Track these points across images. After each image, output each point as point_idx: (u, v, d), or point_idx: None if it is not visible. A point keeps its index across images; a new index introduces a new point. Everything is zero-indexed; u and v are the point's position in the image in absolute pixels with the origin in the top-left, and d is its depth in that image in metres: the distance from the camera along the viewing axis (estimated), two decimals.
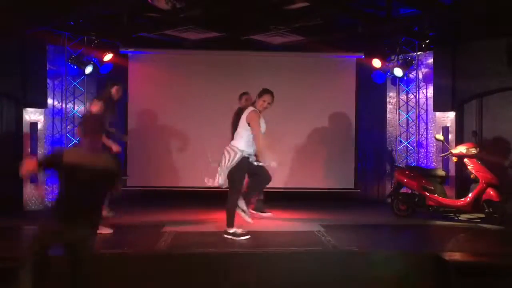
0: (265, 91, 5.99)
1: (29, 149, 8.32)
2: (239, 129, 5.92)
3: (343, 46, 9.17)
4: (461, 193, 7.79)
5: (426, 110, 9.02)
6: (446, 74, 8.56)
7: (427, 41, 8.34)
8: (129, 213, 7.38)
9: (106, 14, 7.74)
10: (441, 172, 7.91)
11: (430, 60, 8.91)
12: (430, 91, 8.93)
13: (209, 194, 8.45)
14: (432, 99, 8.87)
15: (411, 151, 9.23)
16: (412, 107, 9.26)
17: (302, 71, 9.38)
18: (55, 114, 8.78)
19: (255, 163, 5.94)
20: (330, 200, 9.29)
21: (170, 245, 5.59)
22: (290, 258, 5.17)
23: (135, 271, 4.90)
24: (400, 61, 9.01)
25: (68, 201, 3.97)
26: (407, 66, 8.98)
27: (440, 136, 7.92)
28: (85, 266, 4.05)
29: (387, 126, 9.62)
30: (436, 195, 7.48)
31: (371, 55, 9.12)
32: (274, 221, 7.25)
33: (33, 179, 8.38)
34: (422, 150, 9.08)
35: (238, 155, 5.76)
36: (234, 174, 5.79)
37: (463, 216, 7.50)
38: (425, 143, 9.06)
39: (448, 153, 7.72)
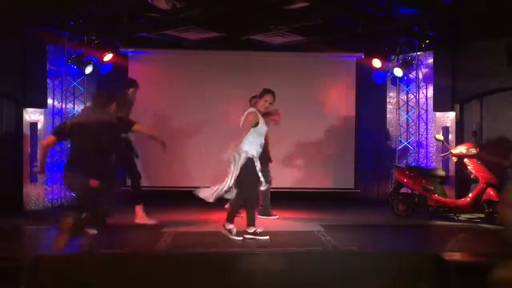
0: (266, 91, 5.99)
1: (29, 149, 8.33)
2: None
3: (343, 46, 9.18)
4: (461, 193, 7.80)
5: (426, 110, 9.02)
6: (446, 74, 8.56)
7: (427, 41, 8.35)
8: (129, 213, 7.37)
9: (106, 14, 7.74)
10: (441, 172, 7.91)
11: (430, 60, 8.91)
12: (430, 91, 8.93)
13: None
14: (432, 99, 8.87)
15: (411, 151, 9.23)
16: (412, 107, 9.26)
17: (302, 71, 9.38)
18: (55, 114, 8.78)
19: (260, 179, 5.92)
20: (330, 200, 9.29)
21: (170, 245, 5.60)
22: (290, 258, 5.16)
23: (135, 271, 4.90)
24: (400, 61, 9.01)
25: (80, 155, 4.99)
26: (407, 66, 8.98)
27: (440, 136, 7.92)
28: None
29: (387, 126, 9.62)
30: (436, 195, 7.48)
31: (371, 55, 9.13)
32: (274, 221, 7.26)
33: (33, 179, 8.40)
34: (422, 150, 9.08)
35: (243, 156, 5.75)
36: (245, 174, 5.77)
37: (463, 216, 7.50)
38: (425, 143, 9.06)
39: (448, 153, 7.72)
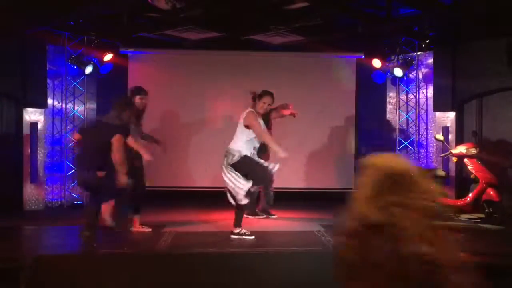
0: (265, 93, 5.98)
1: (29, 149, 8.33)
2: (236, 131, 5.91)
3: (343, 46, 9.17)
4: (461, 193, 7.79)
5: (426, 110, 9.02)
6: (446, 74, 8.56)
7: (427, 41, 8.34)
8: (129, 213, 7.36)
9: (106, 14, 7.74)
10: (441, 172, 7.91)
11: (430, 60, 8.91)
12: (430, 91, 8.92)
13: (209, 194, 8.46)
14: (432, 99, 8.86)
15: (411, 151, 9.22)
16: (412, 107, 9.26)
17: (302, 71, 9.37)
18: (55, 114, 8.78)
19: (263, 163, 5.91)
20: (330, 200, 9.28)
21: (170, 245, 5.59)
22: (290, 258, 5.17)
23: (135, 271, 4.90)
24: (400, 61, 9.01)
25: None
26: (407, 66, 8.98)
27: (440, 136, 7.92)
28: None
29: (387, 126, 9.62)
30: None
31: (371, 55, 9.12)
32: (274, 221, 7.26)
33: (33, 179, 8.39)
34: (422, 150, 9.08)
35: (236, 156, 5.74)
36: (247, 170, 5.74)
37: (463, 216, 7.50)
38: (425, 143, 9.06)
39: (448, 153, 7.72)
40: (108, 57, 8.78)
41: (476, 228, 6.78)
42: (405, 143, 9.22)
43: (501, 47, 7.86)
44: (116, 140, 5.37)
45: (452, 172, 8.49)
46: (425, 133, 9.05)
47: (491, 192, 7.04)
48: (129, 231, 6.32)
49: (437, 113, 8.84)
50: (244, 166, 5.74)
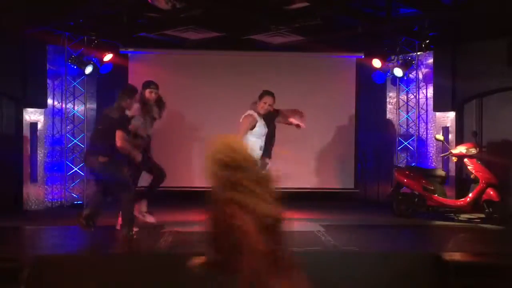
0: (265, 93, 5.95)
1: (29, 149, 8.34)
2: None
3: (343, 46, 9.17)
4: (461, 193, 7.79)
5: (426, 110, 9.02)
6: (446, 74, 8.56)
7: (427, 41, 8.33)
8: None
9: (106, 14, 7.74)
10: (441, 172, 7.91)
11: (430, 60, 8.91)
12: (430, 91, 8.92)
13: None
14: (432, 99, 8.87)
15: (411, 151, 9.22)
16: (412, 107, 9.26)
17: (302, 71, 9.37)
18: (55, 114, 8.78)
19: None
20: (330, 200, 9.29)
21: (170, 245, 5.59)
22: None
23: (135, 271, 4.90)
24: (400, 61, 9.01)
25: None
26: (407, 66, 8.98)
27: (440, 136, 7.92)
28: None
29: (387, 126, 9.62)
30: (436, 195, 7.48)
31: (371, 55, 9.12)
32: None
33: (33, 179, 8.40)
34: (422, 150, 9.08)
35: None
36: None
37: (463, 216, 7.50)
38: (425, 143, 9.06)
39: (448, 153, 7.72)
40: (108, 57, 8.78)
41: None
42: (405, 143, 9.22)
43: (501, 47, 7.87)
44: (118, 137, 5.63)
45: (452, 172, 8.49)
46: (425, 133, 9.05)
47: (491, 192, 7.04)
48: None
49: (437, 113, 8.85)
50: None
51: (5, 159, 7.95)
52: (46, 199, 8.57)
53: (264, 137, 5.94)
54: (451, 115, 8.69)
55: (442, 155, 8.21)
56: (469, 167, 7.35)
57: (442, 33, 8.39)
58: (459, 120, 8.61)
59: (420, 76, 9.09)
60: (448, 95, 8.58)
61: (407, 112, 9.32)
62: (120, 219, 6.17)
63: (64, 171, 8.72)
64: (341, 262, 5.14)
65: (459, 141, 8.40)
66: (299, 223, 7.18)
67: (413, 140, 9.17)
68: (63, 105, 8.83)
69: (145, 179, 7.02)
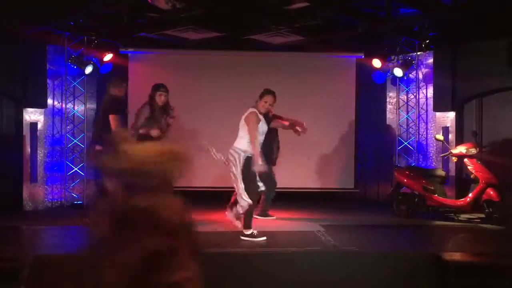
0: (266, 92, 5.96)
1: (29, 149, 8.33)
2: (239, 131, 5.90)
3: (343, 46, 9.18)
4: (461, 193, 7.79)
5: (426, 110, 9.01)
6: (446, 74, 8.56)
7: (427, 41, 8.33)
8: None
9: (106, 14, 7.74)
10: (441, 172, 7.91)
11: (430, 60, 8.91)
12: (430, 91, 8.92)
13: (209, 194, 8.46)
14: (432, 99, 8.87)
15: (411, 151, 9.22)
16: (412, 107, 9.26)
17: (302, 71, 9.37)
18: (55, 114, 8.78)
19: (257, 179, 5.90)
20: (330, 200, 9.29)
21: None
22: (290, 258, 5.17)
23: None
24: (400, 61, 9.01)
25: None
26: (407, 66, 8.98)
27: (440, 136, 7.92)
28: None
29: (387, 126, 9.62)
30: (436, 195, 7.48)
31: (371, 55, 9.12)
32: (274, 221, 7.26)
33: (33, 179, 8.39)
34: (422, 150, 9.08)
35: (242, 156, 5.73)
36: (245, 176, 5.75)
37: (463, 216, 7.50)
38: (425, 143, 9.06)
39: (448, 153, 7.72)
40: (108, 57, 8.78)
41: None
42: (405, 143, 9.22)
43: (501, 47, 7.87)
44: (111, 121, 6.10)
45: (452, 172, 8.49)
46: (425, 133, 9.04)
47: (491, 192, 7.04)
48: None
49: (437, 113, 8.85)
50: (244, 172, 5.74)
51: (5, 159, 7.95)
52: (46, 199, 8.57)
53: (263, 135, 5.93)
54: (451, 115, 8.69)
55: (442, 155, 8.21)
56: (469, 167, 7.36)
57: (442, 33, 8.39)
58: (459, 120, 8.61)
59: (420, 76, 9.09)
60: (448, 95, 8.58)
61: (407, 112, 9.32)
62: None
63: (64, 171, 8.72)
64: (341, 262, 5.14)
65: (459, 141, 8.40)
66: (299, 223, 7.19)
67: (413, 140, 9.17)
68: (63, 105, 8.82)
69: None
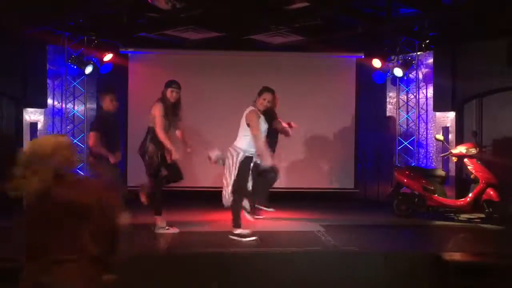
0: (265, 89, 5.94)
1: None
2: (239, 130, 5.89)
3: (343, 46, 9.18)
4: (461, 193, 7.79)
5: (426, 110, 9.02)
6: (446, 74, 8.56)
7: (427, 41, 8.34)
8: (129, 213, 7.38)
9: (106, 14, 7.74)
10: (441, 172, 7.91)
11: (430, 60, 8.91)
12: (430, 91, 8.93)
13: (209, 194, 8.45)
14: (432, 99, 8.87)
15: (411, 151, 9.22)
16: (412, 107, 9.26)
17: (302, 71, 9.37)
18: (55, 114, 8.78)
19: (260, 164, 5.90)
20: (330, 200, 9.29)
21: (170, 245, 5.59)
22: (290, 258, 5.17)
23: (135, 271, 4.90)
24: (400, 61, 9.02)
25: None
26: (407, 66, 8.98)
27: (440, 136, 7.92)
28: None
29: (387, 126, 9.62)
30: (436, 195, 7.47)
31: (371, 55, 9.13)
32: (274, 221, 7.25)
33: None
34: (422, 150, 9.08)
35: (241, 155, 5.73)
36: (239, 174, 5.75)
37: (463, 216, 7.50)
38: (425, 143, 9.06)
39: (448, 153, 7.72)
40: (108, 57, 8.78)
41: None
42: (405, 143, 9.22)
43: (501, 47, 7.87)
44: (90, 135, 6.38)
45: (452, 172, 8.49)
46: (425, 133, 9.05)
47: (491, 192, 7.04)
48: (129, 231, 6.30)
49: (437, 113, 8.85)
50: (241, 169, 5.73)
51: (5, 159, 7.94)
52: None
53: (265, 133, 5.92)
54: (451, 115, 8.70)
55: (442, 155, 8.21)
56: (469, 167, 7.35)
57: (442, 33, 8.39)
58: (459, 120, 8.62)
59: (420, 76, 9.09)
60: (448, 95, 8.58)
61: (407, 112, 9.32)
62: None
63: None
64: (341, 262, 5.14)
65: (459, 141, 8.40)
66: (299, 223, 7.19)
67: (413, 140, 9.17)
68: (63, 105, 8.83)
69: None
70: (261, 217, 7.29)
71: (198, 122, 9.16)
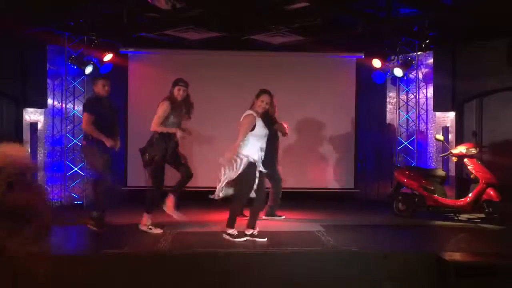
0: (262, 92, 5.91)
1: (29, 149, 8.33)
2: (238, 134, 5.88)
3: (343, 46, 9.18)
4: (461, 193, 7.80)
5: (426, 110, 9.02)
6: (446, 74, 8.57)
7: (427, 41, 8.34)
8: (129, 213, 7.37)
9: (106, 14, 7.74)
10: (441, 172, 7.91)
11: (430, 60, 8.92)
12: (430, 91, 8.93)
13: (209, 194, 8.44)
14: (432, 99, 8.87)
15: (411, 151, 9.22)
16: (412, 107, 9.26)
17: (302, 71, 9.38)
18: (55, 114, 8.78)
19: (263, 171, 5.88)
20: (330, 200, 9.29)
21: (170, 245, 5.59)
22: (290, 258, 5.17)
23: (135, 271, 4.90)
24: (400, 61, 9.02)
25: None
26: (407, 66, 8.98)
27: (440, 136, 7.92)
28: None
29: (387, 126, 9.62)
30: (436, 195, 7.48)
31: (371, 55, 9.13)
32: (274, 221, 7.26)
33: (33, 179, 8.39)
34: (422, 150, 9.08)
35: (244, 161, 5.67)
36: (242, 180, 5.72)
37: (463, 216, 7.50)
38: (425, 143, 9.06)
39: (448, 153, 7.72)
40: (108, 57, 8.78)
41: None
42: (405, 143, 9.22)
43: (501, 47, 7.87)
44: (83, 117, 6.32)
45: (452, 172, 8.49)
46: (425, 133, 9.05)
47: (491, 192, 7.05)
48: (129, 231, 6.31)
49: (437, 113, 8.85)
50: (243, 175, 5.70)
51: None
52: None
53: (265, 138, 5.87)
54: (451, 115, 8.70)
55: (442, 155, 8.21)
56: (469, 167, 7.36)
57: (442, 33, 8.39)
58: (459, 120, 8.62)
59: (420, 76, 9.09)
60: (448, 95, 8.59)
61: (407, 112, 9.32)
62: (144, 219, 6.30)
63: (64, 171, 8.73)
64: (341, 262, 5.14)
65: (459, 141, 8.41)
66: (299, 223, 7.19)
67: (413, 140, 9.17)
68: (63, 105, 8.83)
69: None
70: (282, 217, 7.38)
71: (198, 121, 9.13)
